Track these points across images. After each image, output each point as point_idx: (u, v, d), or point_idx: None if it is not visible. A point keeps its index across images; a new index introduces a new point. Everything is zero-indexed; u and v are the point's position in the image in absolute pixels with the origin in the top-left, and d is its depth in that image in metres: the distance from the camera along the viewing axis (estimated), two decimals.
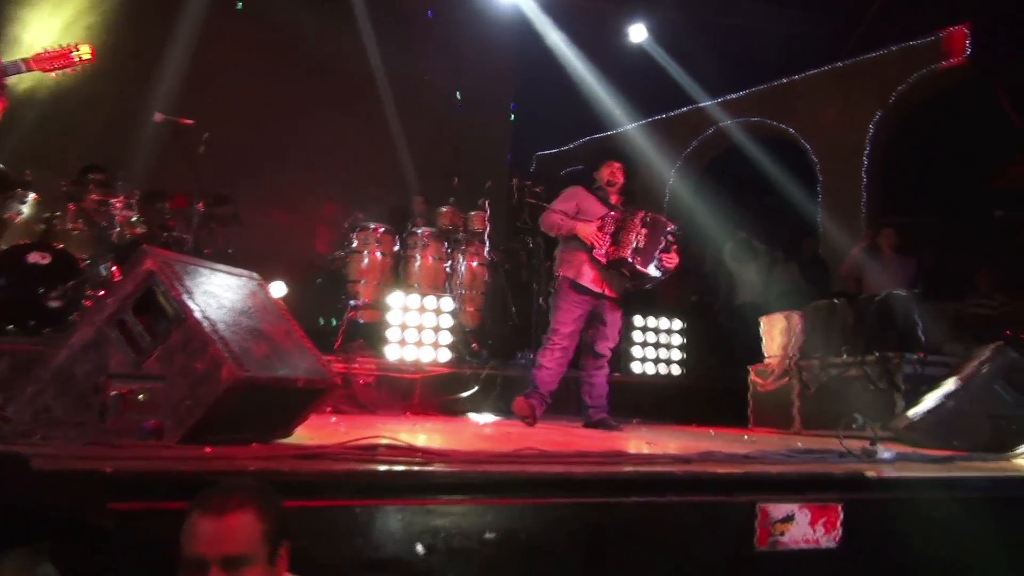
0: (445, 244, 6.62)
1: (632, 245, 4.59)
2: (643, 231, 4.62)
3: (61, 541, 1.52)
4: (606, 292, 4.67)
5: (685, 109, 9.58)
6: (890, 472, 2.86)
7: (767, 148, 8.86)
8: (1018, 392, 4.12)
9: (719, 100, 9.45)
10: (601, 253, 4.60)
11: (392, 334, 5.65)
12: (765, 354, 5.80)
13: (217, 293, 2.74)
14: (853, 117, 8.46)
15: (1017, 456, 3.57)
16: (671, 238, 4.71)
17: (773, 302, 6.42)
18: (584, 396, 4.77)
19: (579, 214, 4.72)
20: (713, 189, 8.40)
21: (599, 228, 4.63)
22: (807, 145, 8.92)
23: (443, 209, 6.88)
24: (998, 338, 4.72)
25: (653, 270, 4.67)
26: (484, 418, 5.31)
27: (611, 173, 4.82)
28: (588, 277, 4.65)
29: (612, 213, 4.67)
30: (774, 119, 9.18)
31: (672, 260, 4.72)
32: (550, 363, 4.62)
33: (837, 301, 5.71)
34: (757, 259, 7.41)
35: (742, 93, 9.41)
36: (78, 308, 4.82)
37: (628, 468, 2.58)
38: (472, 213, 6.84)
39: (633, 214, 4.65)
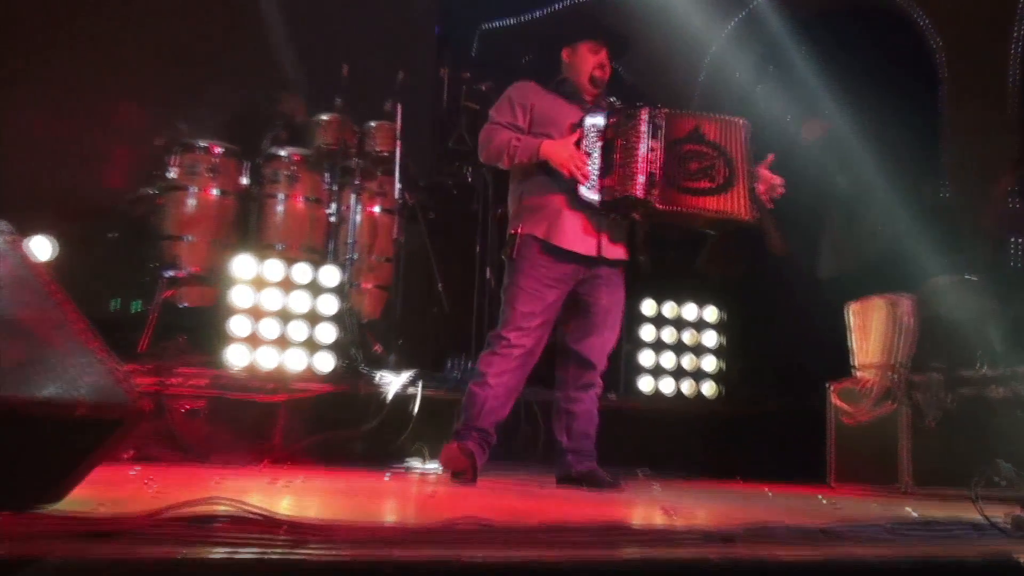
0: (327, 177, 6.58)
1: (643, 170, 4.50)
2: (655, 143, 4.54)
3: None
4: (602, 253, 4.66)
5: None
6: None
7: (862, 23, 8.90)
8: None
9: None
10: (592, 188, 4.56)
11: (237, 327, 5.61)
12: (854, 363, 5.90)
13: None
14: None
15: None
16: (748, 145, 4.63)
17: (868, 278, 6.49)
18: (559, 433, 4.75)
19: (536, 126, 4.71)
20: (774, 88, 8.42)
21: (577, 144, 4.60)
22: (924, 20, 9.00)
23: (325, 117, 6.78)
24: None
25: (750, 211, 4.59)
26: (399, 468, 5.32)
27: (597, 64, 4.80)
28: (570, 231, 4.61)
29: (593, 118, 4.64)
30: None
31: (774, 181, 4.67)
32: (498, 376, 4.58)
33: (972, 278, 5.82)
34: (846, 210, 7.48)
35: None
36: None
37: (632, 551, 2.59)
38: (373, 124, 6.79)
39: (632, 114, 4.58)
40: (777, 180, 4.68)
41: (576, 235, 4.63)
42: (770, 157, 4.72)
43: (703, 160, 4.58)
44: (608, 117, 4.63)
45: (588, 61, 4.81)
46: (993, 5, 8.53)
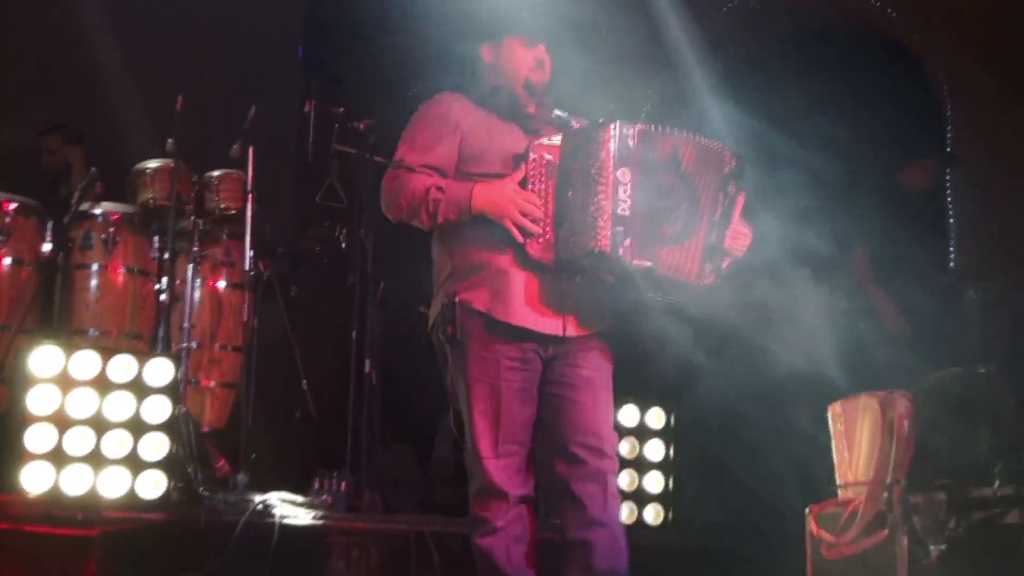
0: (156, 242, 6.63)
1: (610, 212, 4.27)
2: (627, 173, 4.33)
3: None
4: (570, 332, 4.48)
5: None
6: None
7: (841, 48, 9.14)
8: None
9: None
10: (545, 242, 4.40)
11: (36, 439, 5.52)
12: (838, 479, 5.95)
13: None
14: None
15: None
16: (731, 187, 4.45)
17: (862, 370, 6.59)
18: None
19: (466, 162, 4.51)
20: (736, 124, 8.57)
21: (523, 184, 4.38)
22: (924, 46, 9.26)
23: (152, 165, 6.87)
24: None
25: (701, 273, 4.42)
26: None
27: (533, 62, 4.57)
28: (521, 301, 4.40)
29: (541, 143, 4.45)
30: None
31: (743, 236, 4.54)
32: (504, 514, 4.39)
33: (984, 370, 5.91)
34: (831, 271, 7.60)
35: None
36: None
37: None
38: (217, 174, 6.90)
39: (593, 134, 4.38)
40: (745, 231, 4.57)
41: (531, 307, 4.41)
42: (742, 198, 4.55)
43: (671, 197, 4.40)
44: (563, 140, 4.42)
45: (520, 59, 4.62)
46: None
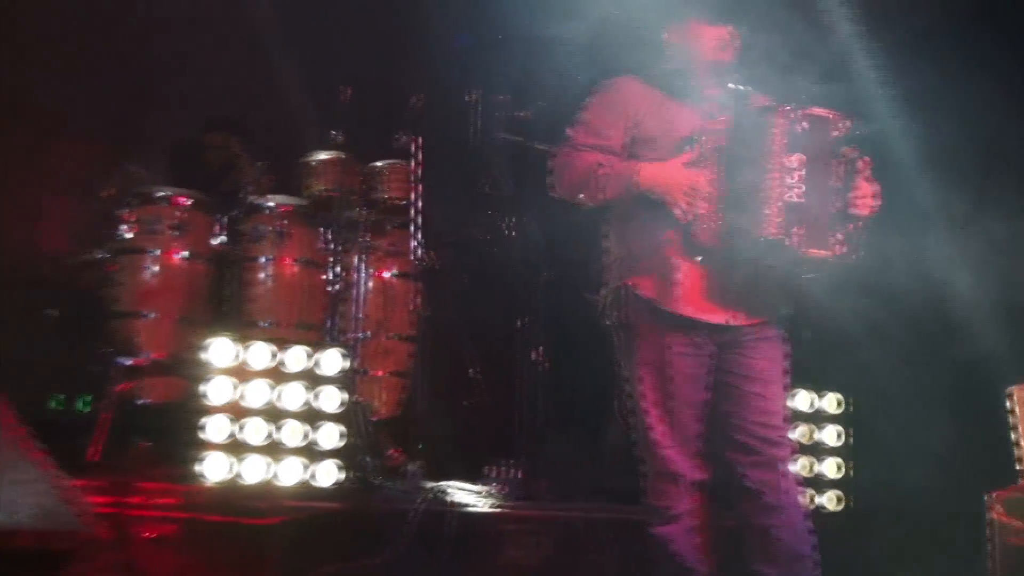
0: (325, 233, 6.67)
1: (781, 199, 4.22)
2: (797, 158, 4.23)
3: None
4: (736, 321, 4.39)
5: None
6: None
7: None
8: None
9: None
10: (707, 230, 4.31)
11: (214, 429, 5.61)
12: (1020, 465, 5.82)
13: None
14: None
15: None
16: (846, 151, 4.30)
17: None
18: (755, 563, 4.43)
19: (640, 146, 4.45)
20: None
21: (689, 164, 4.30)
22: None
23: (320, 157, 6.91)
24: None
25: (835, 242, 4.28)
26: None
27: (717, 43, 4.48)
28: (686, 290, 4.35)
29: (710, 127, 4.36)
30: None
31: (865, 195, 4.33)
32: (680, 501, 4.40)
33: None
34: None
35: None
36: None
37: None
38: (384, 165, 6.90)
39: (763, 119, 4.30)
40: (868, 190, 4.36)
41: (698, 297, 4.35)
42: (864, 162, 4.38)
43: (827, 179, 4.28)
44: (733, 125, 4.34)
45: (704, 40, 4.52)
46: None
